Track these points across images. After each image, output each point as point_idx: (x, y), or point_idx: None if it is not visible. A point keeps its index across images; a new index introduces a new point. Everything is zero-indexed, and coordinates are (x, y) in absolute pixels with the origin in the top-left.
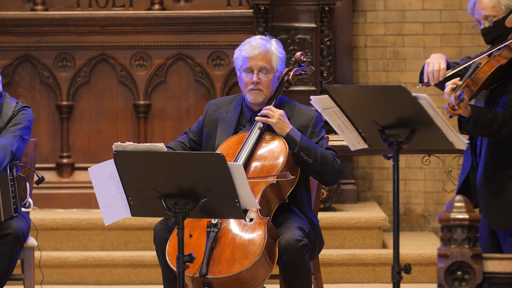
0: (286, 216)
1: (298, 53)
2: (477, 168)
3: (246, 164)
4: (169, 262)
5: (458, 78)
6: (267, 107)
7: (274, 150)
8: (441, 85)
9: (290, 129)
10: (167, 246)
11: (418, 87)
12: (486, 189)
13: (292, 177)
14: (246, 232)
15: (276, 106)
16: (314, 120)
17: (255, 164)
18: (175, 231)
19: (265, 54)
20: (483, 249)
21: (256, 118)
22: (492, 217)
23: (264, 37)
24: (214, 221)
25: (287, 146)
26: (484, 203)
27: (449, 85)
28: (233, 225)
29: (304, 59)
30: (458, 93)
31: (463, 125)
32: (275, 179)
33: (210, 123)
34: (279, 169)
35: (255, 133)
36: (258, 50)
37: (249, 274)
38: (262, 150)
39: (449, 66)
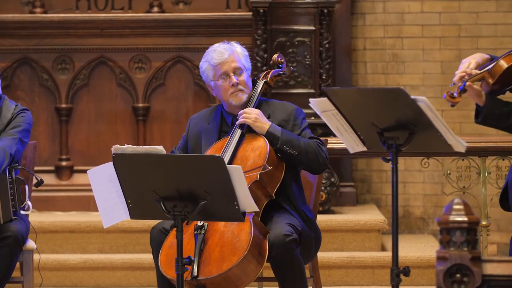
0: (277, 213)
1: (275, 55)
2: None
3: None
4: (162, 271)
5: (474, 69)
6: (242, 110)
7: (255, 150)
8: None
9: (269, 126)
10: (159, 255)
11: (450, 85)
12: None
13: (270, 167)
14: (232, 230)
15: (256, 107)
16: (294, 113)
17: (237, 164)
18: (166, 241)
19: (234, 56)
20: None
21: (237, 122)
22: None
23: (223, 42)
24: (200, 223)
25: (268, 144)
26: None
27: (459, 73)
28: (220, 225)
29: (282, 60)
30: (461, 84)
31: (477, 114)
32: (258, 175)
33: (193, 138)
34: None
35: (236, 135)
36: (226, 53)
37: (239, 270)
38: (244, 151)
39: (486, 61)
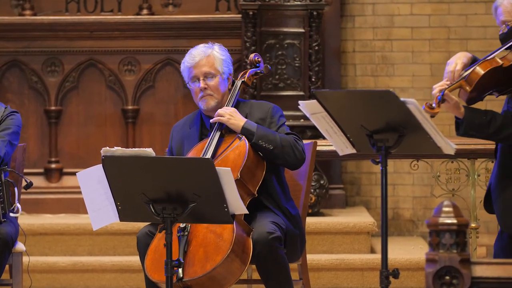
0: (261, 212)
1: (252, 55)
2: None
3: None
4: (148, 275)
5: (446, 81)
6: (216, 112)
7: (235, 150)
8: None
9: (245, 122)
10: (145, 259)
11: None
12: (497, 193)
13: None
14: (215, 230)
15: (234, 107)
16: (271, 111)
17: (217, 165)
18: (151, 245)
19: (207, 59)
20: (502, 254)
21: (211, 121)
22: (505, 222)
23: (207, 44)
24: (182, 225)
25: (247, 143)
26: (498, 205)
27: (437, 87)
28: (202, 225)
29: (259, 59)
30: (439, 94)
31: (457, 126)
32: (238, 174)
33: (177, 144)
34: (241, 166)
35: (215, 137)
36: (198, 57)
37: (223, 269)
38: (223, 151)
39: (473, 61)
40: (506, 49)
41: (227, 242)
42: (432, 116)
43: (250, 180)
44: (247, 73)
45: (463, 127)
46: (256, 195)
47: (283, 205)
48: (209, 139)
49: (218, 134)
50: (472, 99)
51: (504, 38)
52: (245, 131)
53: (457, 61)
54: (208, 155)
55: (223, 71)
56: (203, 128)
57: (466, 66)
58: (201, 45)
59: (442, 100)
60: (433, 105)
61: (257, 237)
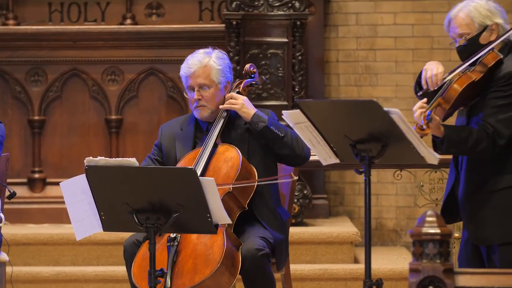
0: (250, 225)
1: (247, 65)
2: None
3: (202, 176)
4: (135, 283)
5: (425, 100)
6: (229, 94)
7: (228, 161)
8: (439, 90)
9: (256, 111)
10: (132, 267)
11: (418, 94)
12: (466, 205)
13: (295, 177)
14: (205, 242)
15: (231, 117)
16: (271, 113)
17: (210, 176)
18: (139, 252)
19: (203, 70)
20: (466, 263)
21: (221, 106)
22: (473, 233)
23: (207, 50)
24: (173, 235)
25: (240, 156)
26: (467, 218)
27: (417, 109)
28: (193, 236)
29: (254, 70)
30: (426, 112)
31: (438, 145)
32: (231, 186)
33: (167, 142)
34: (234, 177)
35: (209, 145)
36: (194, 67)
37: (212, 282)
38: (216, 162)
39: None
40: (470, 63)
41: (217, 255)
42: (421, 137)
43: (242, 193)
44: (242, 84)
45: (445, 145)
46: (247, 208)
47: (275, 209)
48: (202, 148)
49: (212, 144)
50: (447, 115)
51: (463, 51)
52: (256, 118)
53: (437, 66)
54: (201, 166)
55: (219, 81)
56: (198, 130)
57: (444, 73)
58: (200, 51)
59: (430, 119)
60: (424, 126)
61: (246, 253)
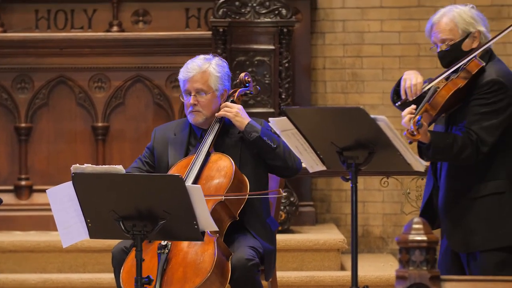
0: (240, 235)
1: (242, 74)
2: (438, 190)
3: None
4: None
5: (414, 106)
6: (224, 103)
7: (220, 169)
8: (418, 100)
9: (249, 121)
10: (121, 272)
11: (397, 104)
12: (448, 212)
13: (284, 193)
14: (196, 251)
15: (225, 125)
16: (264, 123)
17: (202, 185)
18: (128, 257)
19: (202, 75)
20: (446, 271)
21: (216, 114)
22: (455, 240)
23: (207, 56)
24: (164, 242)
25: (233, 165)
26: (446, 226)
27: (406, 114)
28: (183, 245)
29: (249, 79)
30: (416, 118)
31: (423, 151)
32: (223, 196)
33: (160, 145)
34: (226, 187)
35: (202, 154)
36: (193, 72)
37: None
38: (209, 170)
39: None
40: (454, 70)
41: (208, 264)
42: (410, 142)
43: (233, 203)
44: (237, 93)
45: (431, 151)
46: (238, 218)
47: (265, 220)
48: (195, 155)
49: (205, 153)
50: (432, 121)
51: (444, 56)
52: (249, 128)
53: (416, 76)
54: (193, 174)
55: (216, 88)
56: (191, 136)
57: (422, 80)
58: (201, 56)
59: (420, 125)
60: (415, 132)
61: (236, 262)
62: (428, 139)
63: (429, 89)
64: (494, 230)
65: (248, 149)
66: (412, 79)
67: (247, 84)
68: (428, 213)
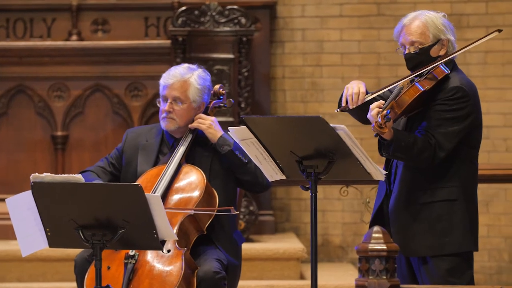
0: (206, 247)
1: (217, 86)
2: (391, 196)
3: (164, 196)
4: None
5: (382, 101)
6: (198, 115)
7: (191, 182)
8: (358, 110)
9: (222, 134)
10: (85, 278)
11: (336, 110)
12: (398, 216)
13: (236, 212)
14: (163, 263)
15: (198, 136)
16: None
17: (172, 196)
18: (93, 264)
19: (182, 84)
20: (401, 279)
21: (190, 125)
22: (405, 244)
23: (192, 66)
24: (131, 252)
25: (205, 178)
26: (396, 229)
27: (374, 108)
28: (151, 256)
29: (223, 91)
30: (385, 112)
31: (384, 148)
32: (193, 209)
33: (130, 149)
34: (196, 201)
35: (174, 165)
36: (173, 79)
37: None
38: (180, 182)
39: (367, 93)
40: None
41: (175, 277)
42: (376, 135)
43: (202, 217)
44: (211, 105)
45: (392, 148)
46: (205, 232)
47: (231, 234)
48: (166, 166)
49: (176, 164)
50: (395, 121)
51: (412, 58)
52: (222, 141)
53: (359, 85)
54: (163, 185)
55: (194, 100)
56: (163, 144)
57: (365, 93)
58: (185, 65)
59: (389, 119)
60: (382, 125)
61: (204, 275)
62: (391, 136)
63: (371, 99)
64: (443, 237)
65: (219, 162)
66: (354, 88)
67: (221, 97)
68: (378, 222)
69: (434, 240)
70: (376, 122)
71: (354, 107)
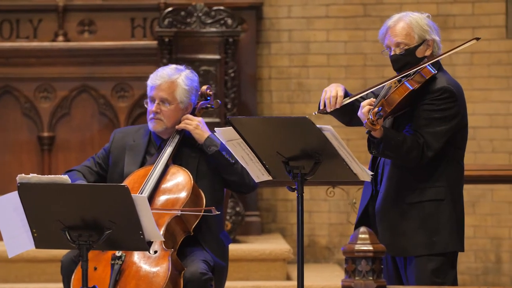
0: (192, 248)
1: (204, 87)
2: (377, 196)
3: (151, 197)
4: None
5: (373, 99)
6: (185, 116)
7: (178, 183)
8: (338, 113)
9: (209, 134)
10: (72, 279)
11: (314, 113)
12: (385, 215)
13: (217, 212)
14: (150, 264)
15: (185, 137)
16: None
17: (159, 197)
18: (80, 265)
19: (169, 85)
20: (387, 279)
21: (177, 126)
22: (391, 244)
23: (179, 67)
24: (118, 253)
25: (192, 180)
26: (385, 227)
27: (365, 105)
28: (138, 257)
29: (210, 92)
30: (376, 109)
31: (374, 146)
32: (180, 210)
33: (117, 150)
34: (183, 202)
35: (161, 166)
36: (161, 80)
37: None
38: (167, 183)
39: (347, 95)
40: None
41: (161, 278)
42: (367, 132)
43: (189, 218)
44: (198, 105)
45: (382, 146)
46: (192, 233)
47: (218, 235)
48: (153, 167)
49: (164, 165)
50: (384, 120)
51: (398, 59)
52: (208, 142)
53: (337, 88)
54: (150, 185)
55: (181, 101)
56: (150, 145)
57: (344, 96)
58: (173, 66)
59: (381, 116)
60: (374, 122)
61: (191, 276)
62: (381, 134)
63: (349, 102)
64: (430, 236)
65: (206, 162)
66: (332, 91)
67: (208, 98)
68: (364, 224)
69: (424, 239)
70: (368, 119)
71: (331, 110)
